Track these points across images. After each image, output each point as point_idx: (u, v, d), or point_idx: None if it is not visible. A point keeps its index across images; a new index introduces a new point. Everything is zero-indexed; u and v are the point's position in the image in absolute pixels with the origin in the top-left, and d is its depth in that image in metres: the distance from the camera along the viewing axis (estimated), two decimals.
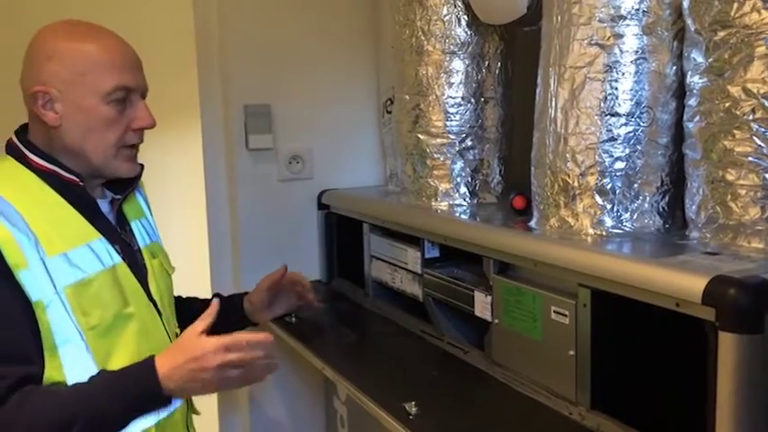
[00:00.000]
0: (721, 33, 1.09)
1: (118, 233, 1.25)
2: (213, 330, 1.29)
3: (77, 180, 1.18)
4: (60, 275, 1.10)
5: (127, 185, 1.28)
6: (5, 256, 1.06)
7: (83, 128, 1.17)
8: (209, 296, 1.65)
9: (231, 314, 1.57)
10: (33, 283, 1.07)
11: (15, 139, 1.20)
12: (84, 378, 1.11)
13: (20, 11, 2.61)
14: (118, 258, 1.20)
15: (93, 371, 1.12)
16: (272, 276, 1.62)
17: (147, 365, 1.14)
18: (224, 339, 1.16)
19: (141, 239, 1.31)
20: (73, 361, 1.11)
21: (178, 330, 1.33)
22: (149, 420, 1.15)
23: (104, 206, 1.26)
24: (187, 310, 1.41)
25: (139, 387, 1.13)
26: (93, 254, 1.16)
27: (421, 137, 1.72)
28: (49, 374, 1.10)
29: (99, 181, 1.25)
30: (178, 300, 1.44)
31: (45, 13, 2.34)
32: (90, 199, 1.21)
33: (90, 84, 1.16)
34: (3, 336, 1.06)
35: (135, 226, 1.31)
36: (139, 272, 1.25)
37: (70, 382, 1.10)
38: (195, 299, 1.56)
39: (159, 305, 1.26)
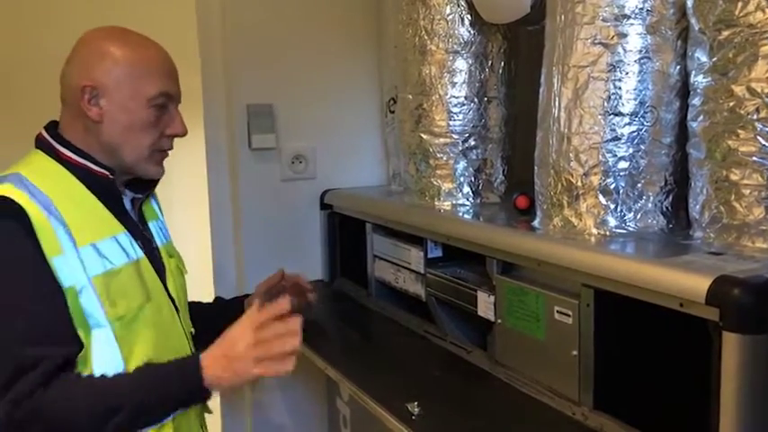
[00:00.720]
0: (725, 32, 1.08)
1: (140, 229, 1.28)
2: (217, 333, 1.30)
3: (108, 174, 1.22)
4: (90, 265, 1.14)
5: (147, 186, 1.32)
6: (42, 241, 1.09)
7: (122, 126, 1.22)
8: (212, 297, 1.65)
9: (232, 317, 1.58)
10: (67, 269, 1.11)
11: (45, 134, 1.23)
12: (109, 368, 1.14)
13: (25, 10, 2.61)
14: (141, 253, 1.23)
15: (119, 362, 1.14)
16: (269, 281, 1.63)
17: (193, 358, 1.18)
18: (253, 318, 1.19)
19: (159, 239, 1.34)
20: (101, 348, 1.13)
21: (193, 330, 1.36)
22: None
23: (127, 204, 1.29)
24: (195, 313, 1.43)
25: (183, 379, 1.16)
26: (120, 246, 1.19)
27: (424, 136, 1.72)
28: (82, 359, 1.12)
29: (125, 178, 1.28)
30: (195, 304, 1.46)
31: (51, 12, 2.35)
32: (117, 193, 1.25)
33: (137, 86, 1.21)
34: (46, 317, 1.10)
35: (152, 226, 1.35)
36: (159, 269, 1.28)
37: (96, 371, 1.13)
38: (200, 303, 1.57)
39: (177, 303, 1.29)
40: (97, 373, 1.13)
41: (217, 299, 1.66)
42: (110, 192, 1.23)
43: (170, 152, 1.31)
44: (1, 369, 1.06)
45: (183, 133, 1.29)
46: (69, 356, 1.10)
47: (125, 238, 1.21)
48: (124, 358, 1.15)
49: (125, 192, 1.29)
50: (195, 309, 1.49)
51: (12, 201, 1.09)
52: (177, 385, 1.15)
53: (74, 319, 1.11)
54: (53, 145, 1.22)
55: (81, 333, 1.12)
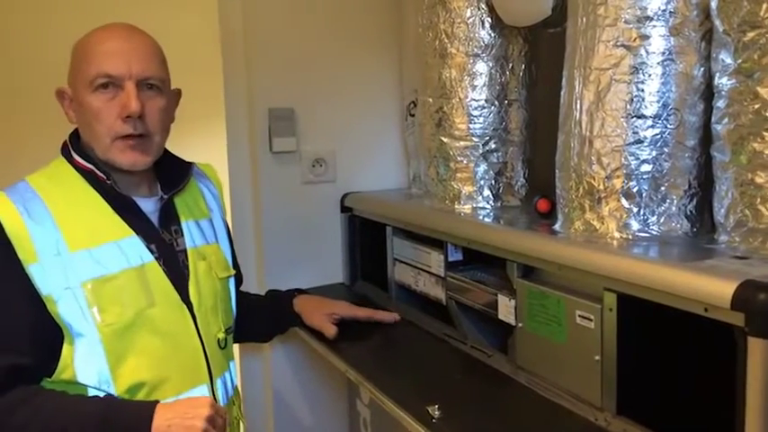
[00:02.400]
0: (750, 34, 1.07)
1: (157, 232, 1.26)
2: (264, 324, 1.47)
3: (104, 177, 1.20)
4: (81, 271, 1.13)
5: (175, 184, 1.31)
6: (17, 249, 1.10)
7: (84, 122, 1.21)
8: None
9: (279, 310, 1.70)
10: (44, 277, 1.10)
11: (67, 140, 1.25)
12: (93, 378, 1.13)
13: (45, 16, 2.66)
14: (150, 257, 1.21)
15: (105, 370, 1.13)
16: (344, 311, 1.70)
17: (148, 406, 1.12)
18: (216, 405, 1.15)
19: (190, 240, 1.30)
20: (85, 357, 1.12)
21: (221, 335, 1.32)
22: None
23: (149, 204, 1.27)
24: (245, 305, 1.48)
25: (130, 422, 1.10)
26: (121, 252, 1.18)
27: (444, 140, 1.71)
28: (62, 368, 1.12)
29: (137, 177, 1.27)
30: (244, 297, 1.52)
31: (74, 20, 2.38)
32: (124, 197, 1.22)
33: (81, 74, 1.18)
34: None
35: (187, 226, 1.31)
36: (179, 273, 1.25)
37: (80, 378, 1.12)
38: (248, 294, 1.66)
39: (196, 308, 1.25)
40: (81, 381, 1.12)
41: (269, 292, 1.75)
42: (117, 195, 1.21)
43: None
44: None
45: (132, 112, 1.17)
46: (16, 365, 1.09)
47: (130, 242, 1.19)
48: (111, 368, 1.14)
49: (151, 191, 1.28)
50: (245, 301, 1.52)
51: None
52: (123, 425, 1.10)
53: (48, 328, 1.10)
54: (69, 151, 1.23)
55: (65, 342, 1.11)
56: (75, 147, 1.24)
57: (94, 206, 1.19)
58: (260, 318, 1.65)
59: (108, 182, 1.20)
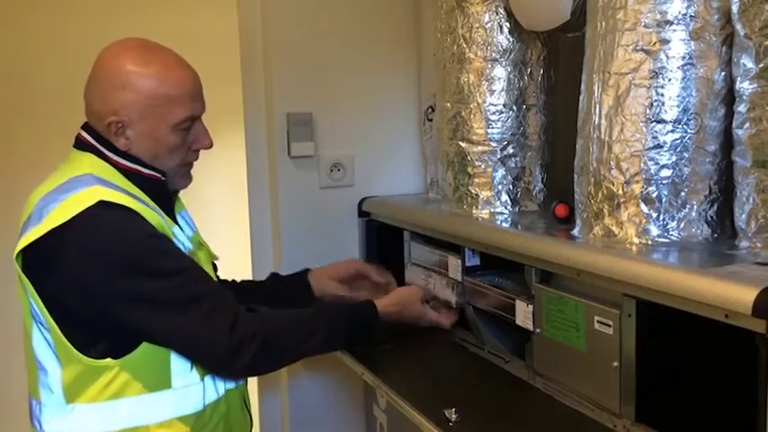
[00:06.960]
0: None
1: (178, 225, 1.35)
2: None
3: (159, 176, 1.27)
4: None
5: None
6: (156, 227, 1.19)
7: (150, 152, 1.25)
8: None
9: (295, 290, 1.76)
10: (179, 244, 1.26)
11: (89, 138, 1.25)
12: None
13: (78, 25, 2.69)
14: (191, 245, 1.32)
15: None
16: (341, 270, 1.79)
17: (371, 306, 1.50)
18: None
19: (189, 229, 1.40)
20: None
21: None
22: (218, 390, 1.29)
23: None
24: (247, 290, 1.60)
25: (365, 320, 1.48)
26: (183, 234, 1.30)
27: (462, 144, 1.71)
28: None
29: None
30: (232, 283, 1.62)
31: (99, 26, 2.42)
32: (168, 194, 1.31)
33: (161, 114, 1.23)
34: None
35: (179, 218, 1.39)
36: None
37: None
38: (250, 282, 1.74)
39: None
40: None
41: (273, 275, 1.78)
42: (162, 192, 1.27)
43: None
44: (206, 301, 1.21)
45: (209, 146, 1.32)
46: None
47: (178, 230, 1.29)
48: None
49: None
50: (250, 289, 1.64)
51: (111, 202, 1.15)
52: (360, 324, 1.47)
53: None
54: (100, 150, 1.24)
55: None
56: (105, 146, 1.24)
57: (145, 198, 1.24)
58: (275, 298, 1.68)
59: (163, 179, 1.27)
